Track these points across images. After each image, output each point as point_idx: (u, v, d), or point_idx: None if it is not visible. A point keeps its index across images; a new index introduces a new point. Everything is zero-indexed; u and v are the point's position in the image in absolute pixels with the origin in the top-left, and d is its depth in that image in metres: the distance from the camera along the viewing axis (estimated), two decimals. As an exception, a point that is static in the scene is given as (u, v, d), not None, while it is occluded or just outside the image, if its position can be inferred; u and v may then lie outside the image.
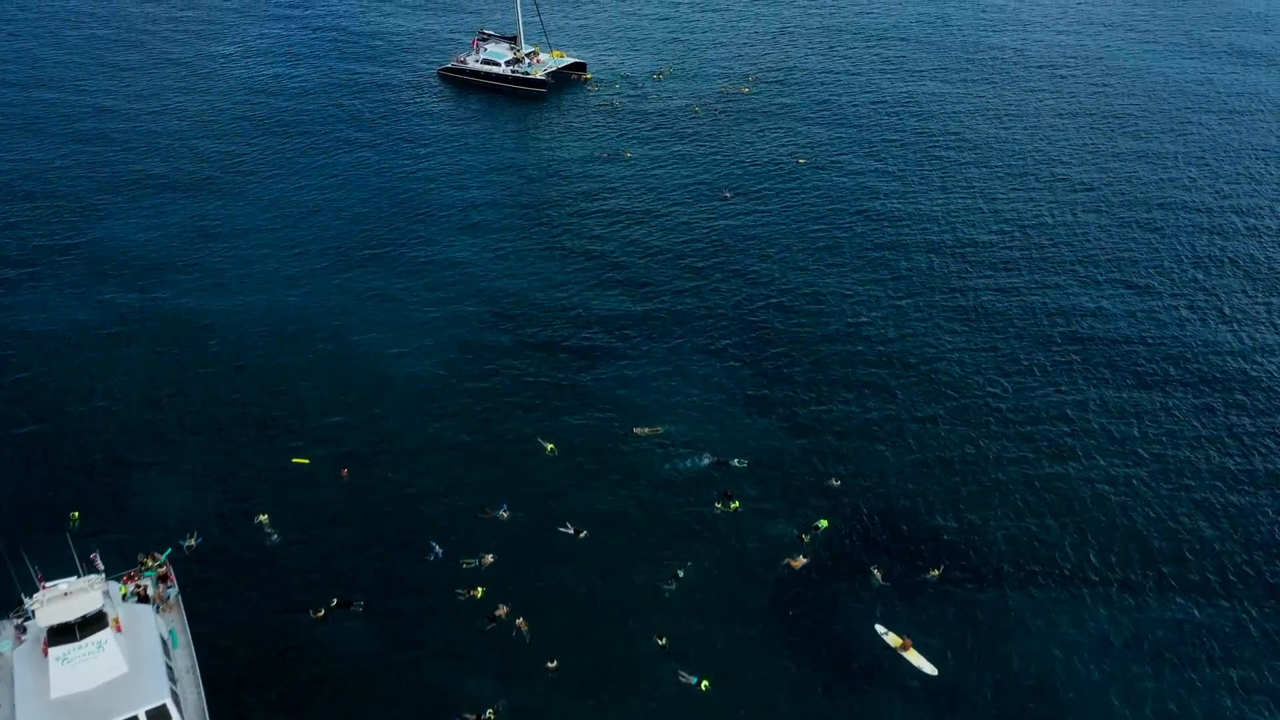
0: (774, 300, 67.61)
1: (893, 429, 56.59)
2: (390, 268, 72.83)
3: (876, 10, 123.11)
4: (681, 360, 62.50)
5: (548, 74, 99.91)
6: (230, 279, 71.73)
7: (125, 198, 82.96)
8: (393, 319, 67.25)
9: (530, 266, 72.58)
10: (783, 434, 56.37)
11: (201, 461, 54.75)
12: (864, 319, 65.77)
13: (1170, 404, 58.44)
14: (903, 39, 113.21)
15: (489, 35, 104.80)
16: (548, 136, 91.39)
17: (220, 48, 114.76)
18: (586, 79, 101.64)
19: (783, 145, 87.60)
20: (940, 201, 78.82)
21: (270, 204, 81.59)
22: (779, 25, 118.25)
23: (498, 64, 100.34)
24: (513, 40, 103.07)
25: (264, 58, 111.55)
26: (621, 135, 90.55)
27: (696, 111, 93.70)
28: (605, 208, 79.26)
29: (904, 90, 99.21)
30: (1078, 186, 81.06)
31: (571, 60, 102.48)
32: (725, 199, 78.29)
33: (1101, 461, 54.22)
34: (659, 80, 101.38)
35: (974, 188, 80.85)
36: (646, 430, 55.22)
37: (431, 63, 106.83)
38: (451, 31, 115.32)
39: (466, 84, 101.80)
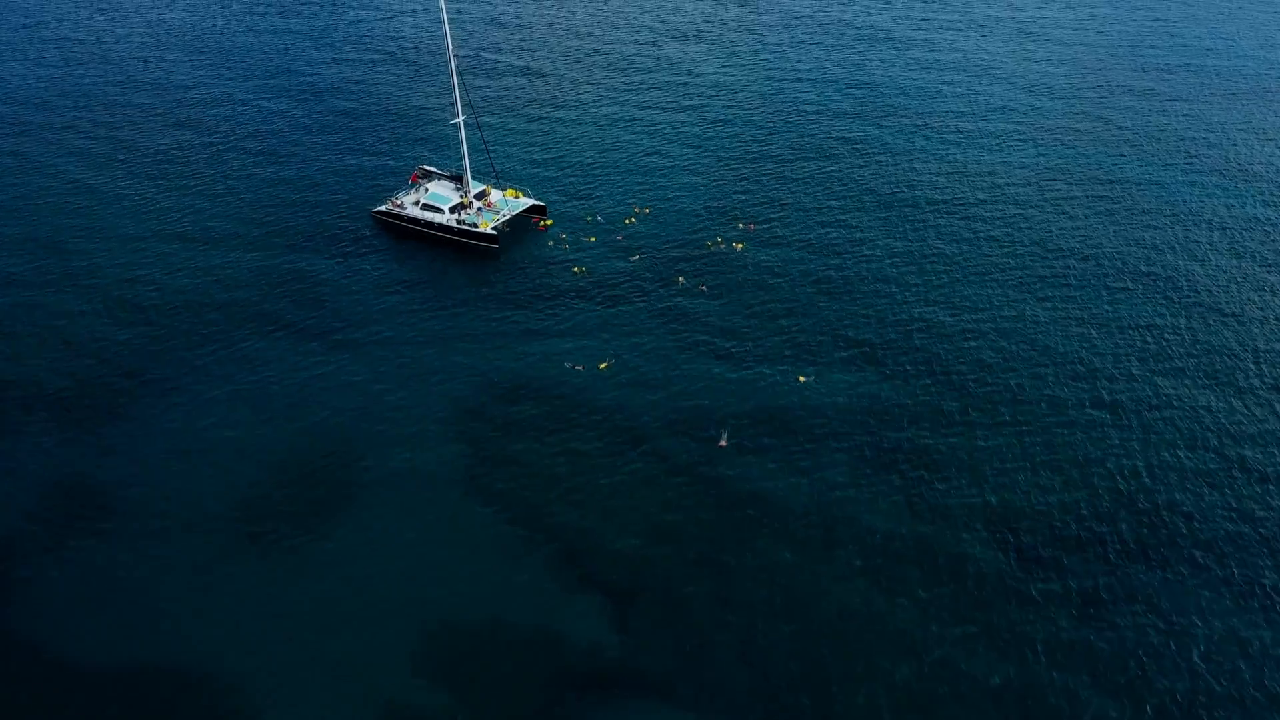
0: (796, 637, 50.18)
1: None
2: (279, 566, 53.99)
3: (888, 110, 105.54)
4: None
5: (502, 222, 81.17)
6: (70, 608, 53.14)
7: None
8: (284, 667, 48.98)
9: (472, 555, 54.30)
10: None
11: None
12: (906, 652, 48.76)
13: None
14: (920, 144, 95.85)
15: (429, 171, 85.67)
16: (497, 321, 72.67)
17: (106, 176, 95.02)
18: (546, 224, 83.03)
19: (785, 346, 69.87)
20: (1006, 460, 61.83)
21: (130, 442, 62.57)
22: (764, 133, 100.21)
23: (440, 210, 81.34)
24: (458, 180, 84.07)
25: (160, 180, 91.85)
26: (586, 318, 72.30)
27: (679, 282, 75.61)
28: (570, 446, 61.24)
29: (938, 237, 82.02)
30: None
31: (529, 202, 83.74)
32: (721, 447, 60.51)
33: None
34: (631, 224, 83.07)
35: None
36: None
37: (364, 200, 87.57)
38: (387, 162, 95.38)
39: (404, 229, 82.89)
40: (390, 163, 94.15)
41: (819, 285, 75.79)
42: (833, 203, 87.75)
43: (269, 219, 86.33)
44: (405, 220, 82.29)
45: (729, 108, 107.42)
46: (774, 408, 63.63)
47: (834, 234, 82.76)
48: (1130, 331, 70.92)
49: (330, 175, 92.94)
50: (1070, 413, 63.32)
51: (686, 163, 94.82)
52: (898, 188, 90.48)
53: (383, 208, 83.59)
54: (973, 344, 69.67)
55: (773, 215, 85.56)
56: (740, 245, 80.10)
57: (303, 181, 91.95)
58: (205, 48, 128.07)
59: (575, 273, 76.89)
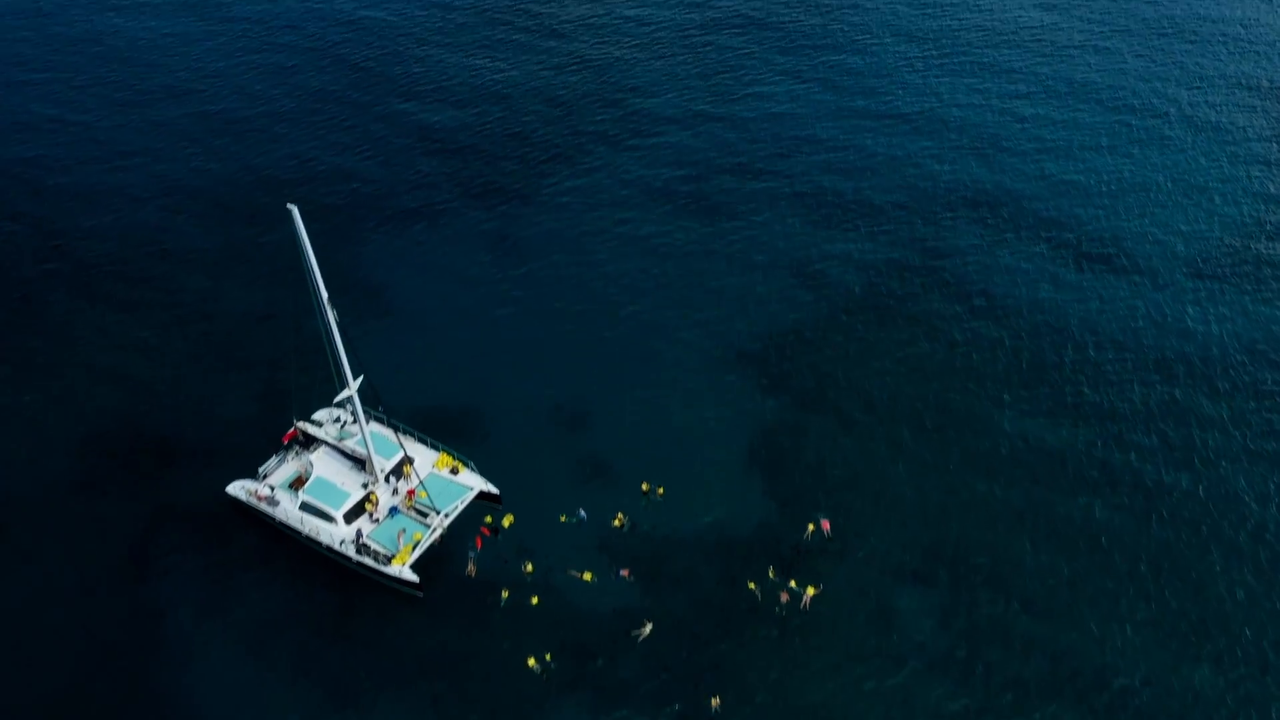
0: None
1: None
2: None
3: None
4: None
5: (435, 538, 48.66)
6: None
7: None
8: None
9: None
10: None
11: None
12: None
13: None
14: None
15: (312, 436, 52.02)
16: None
17: None
18: (504, 526, 50.61)
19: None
20: None
21: None
22: (816, 301, 65.81)
23: (331, 517, 48.84)
24: (361, 464, 50.69)
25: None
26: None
27: (714, 707, 44.16)
28: None
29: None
30: None
31: (475, 484, 50.88)
32: None
33: None
34: (626, 527, 50.73)
35: None
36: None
37: (220, 463, 54.32)
38: (248, 403, 59.50)
39: (277, 530, 50.78)
40: (251, 403, 59.12)
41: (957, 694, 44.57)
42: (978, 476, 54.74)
43: (63, 496, 54.25)
44: (278, 525, 50.04)
45: (751, 255, 72.13)
46: None
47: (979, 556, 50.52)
48: None
49: (169, 417, 59.16)
50: None
51: (701, 381, 60.13)
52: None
53: (241, 494, 50.90)
54: None
55: (857, 497, 52.95)
56: (811, 592, 47.73)
57: (121, 432, 58.41)
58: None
59: (534, 666, 45.22)
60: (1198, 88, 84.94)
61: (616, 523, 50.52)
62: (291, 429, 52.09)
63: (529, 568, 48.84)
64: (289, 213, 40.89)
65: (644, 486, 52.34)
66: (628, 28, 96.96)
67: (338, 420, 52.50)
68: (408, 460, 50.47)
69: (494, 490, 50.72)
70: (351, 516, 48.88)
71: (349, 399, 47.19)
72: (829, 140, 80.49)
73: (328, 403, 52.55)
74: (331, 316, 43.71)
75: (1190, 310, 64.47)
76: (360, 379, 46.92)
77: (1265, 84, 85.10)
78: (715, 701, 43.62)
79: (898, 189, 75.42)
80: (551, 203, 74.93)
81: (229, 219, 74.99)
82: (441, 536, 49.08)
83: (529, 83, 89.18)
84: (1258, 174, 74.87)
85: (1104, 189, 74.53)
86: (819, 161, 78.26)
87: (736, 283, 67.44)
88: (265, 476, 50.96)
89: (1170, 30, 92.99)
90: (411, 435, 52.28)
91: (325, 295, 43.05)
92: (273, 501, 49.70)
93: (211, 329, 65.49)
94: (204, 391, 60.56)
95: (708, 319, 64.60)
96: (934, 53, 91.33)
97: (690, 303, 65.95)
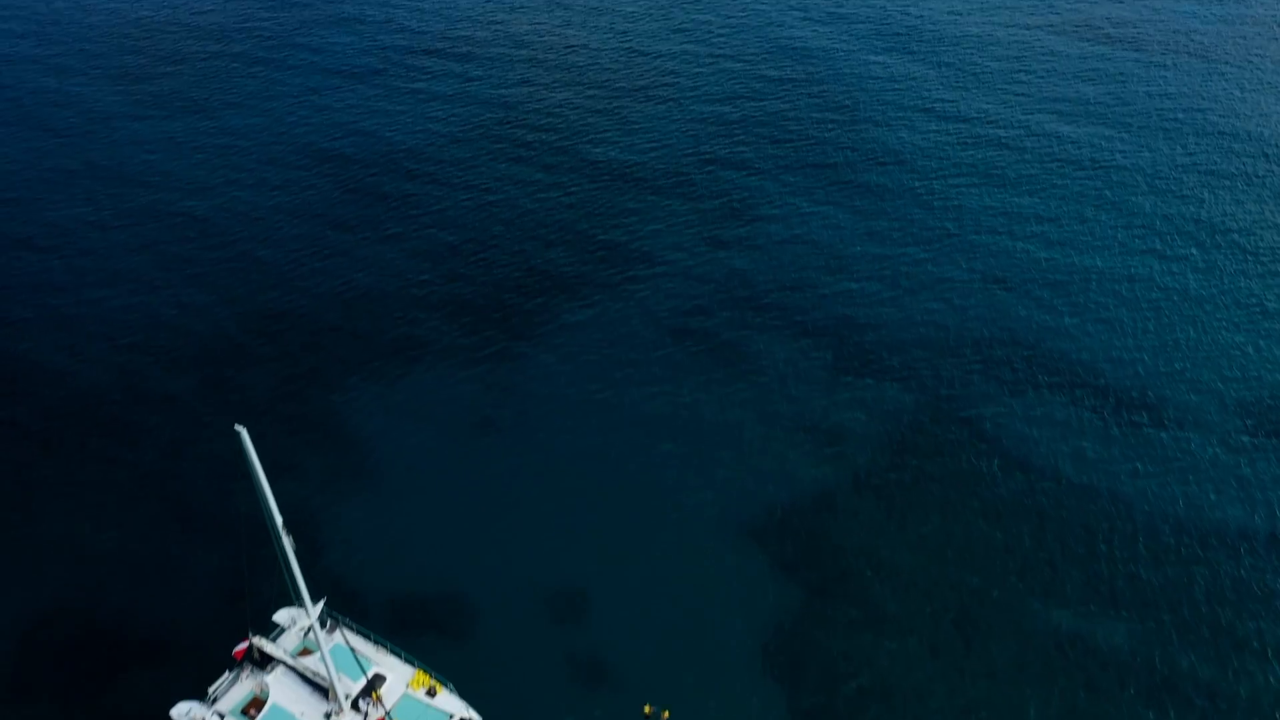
0: None
1: None
2: None
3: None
4: None
5: (400, 777, 42.40)
6: None
7: None
8: None
9: None
10: None
11: None
12: None
13: None
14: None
15: (268, 654, 45.45)
16: None
17: None
18: (485, 761, 44.42)
19: None
20: None
21: None
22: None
23: (286, 758, 42.58)
24: (324, 692, 44.41)
25: None
26: None
27: None
28: None
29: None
30: None
31: (455, 713, 44.12)
32: None
33: None
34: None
35: None
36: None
37: (163, 685, 47.97)
38: (220, 588, 53.96)
39: (229, 761, 44.41)
40: (208, 587, 53.40)
41: None
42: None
43: None
44: (226, 762, 43.64)
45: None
46: None
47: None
48: None
49: (118, 605, 53.29)
50: None
51: (708, 564, 54.15)
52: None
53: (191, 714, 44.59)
54: None
55: (881, 710, 46.69)
56: None
57: (63, 621, 52.39)
58: None
59: None
60: (1222, 219, 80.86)
61: (615, 757, 44.34)
62: (245, 643, 45.75)
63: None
64: (237, 434, 35.39)
65: (646, 709, 46.06)
66: (625, 153, 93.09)
67: (301, 627, 46.37)
68: (377, 682, 44.15)
69: (476, 718, 44.33)
70: (311, 758, 42.49)
71: (310, 627, 41.08)
72: (837, 275, 75.91)
73: (287, 601, 46.60)
74: (288, 544, 37.96)
75: (1232, 480, 59.07)
76: (322, 603, 40.97)
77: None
78: None
79: (911, 326, 70.66)
80: (543, 346, 69.95)
81: (202, 358, 69.88)
82: (414, 777, 42.68)
83: (522, 207, 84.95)
84: (1293, 321, 70.34)
85: (1130, 332, 69.74)
86: (827, 298, 73.62)
87: (742, 440, 62.10)
88: (215, 700, 44.54)
89: (1187, 165, 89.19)
90: (384, 646, 46.11)
91: (280, 520, 37.38)
92: (222, 726, 43.36)
93: (174, 492, 59.85)
94: (158, 572, 54.67)
95: (713, 482, 59.10)
96: (937, 173, 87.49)
97: (692, 464, 60.51)
